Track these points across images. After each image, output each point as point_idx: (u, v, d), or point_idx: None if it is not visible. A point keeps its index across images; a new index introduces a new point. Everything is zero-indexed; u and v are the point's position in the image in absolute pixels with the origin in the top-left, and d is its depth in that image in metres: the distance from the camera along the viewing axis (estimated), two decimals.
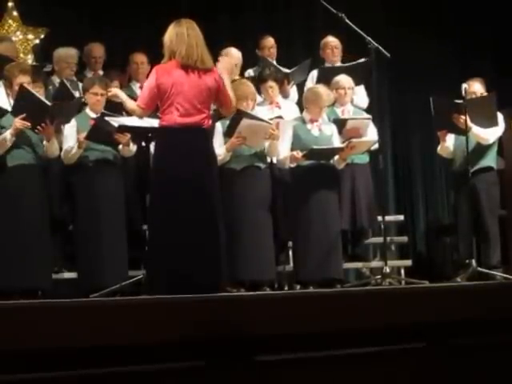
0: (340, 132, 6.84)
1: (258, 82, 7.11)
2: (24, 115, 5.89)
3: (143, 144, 6.15)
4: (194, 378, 3.30)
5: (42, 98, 6.06)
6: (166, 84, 5.24)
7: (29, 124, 5.92)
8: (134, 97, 5.95)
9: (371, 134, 6.97)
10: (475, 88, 6.92)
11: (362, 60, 7.16)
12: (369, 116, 7.14)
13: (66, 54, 7.31)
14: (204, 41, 5.31)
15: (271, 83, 7.09)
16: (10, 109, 6.09)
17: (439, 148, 7.05)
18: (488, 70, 8.74)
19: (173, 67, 5.27)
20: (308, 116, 6.78)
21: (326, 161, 6.68)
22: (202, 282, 5.01)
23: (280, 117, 6.76)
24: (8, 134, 5.98)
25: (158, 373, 3.21)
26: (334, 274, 6.56)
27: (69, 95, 6.62)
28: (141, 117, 5.53)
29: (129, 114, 5.67)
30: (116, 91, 5.79)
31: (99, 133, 6.11)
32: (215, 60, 5.51)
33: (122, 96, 5.61)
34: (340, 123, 6.90)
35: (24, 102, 5.91)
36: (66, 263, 6.67)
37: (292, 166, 6.67)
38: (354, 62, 7.44)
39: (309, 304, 3.64)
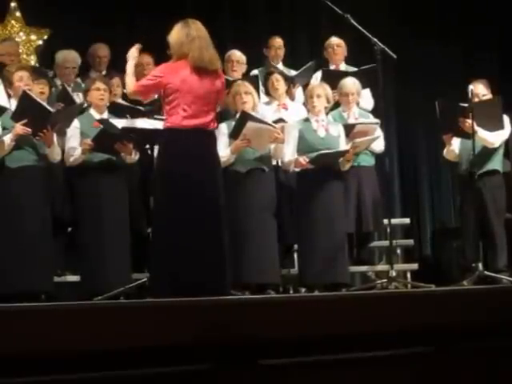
0: (347, 135, 6.79)
1: (265, 79, 7.13)
2: (25, 121, 5.88)
3: (147, 146, 6.14)
4: (197, 381, 3.28)
5: (44, 104, 6.04)
6: (172, 84, 5.20)
7: (30, 130, 5.91)
8: None
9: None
10: (479, 89, 6.87)
11: (368, 66, 7.10)
12: (377, 121, 7.07)
13: (64, 58, 7.26)
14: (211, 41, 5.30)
15: (277, 76, 7.11)
16: (9, 107, 6.08)
17: (445, 151, 7.01)
18: (494, 71, 8.72)
19: (181, 68, 5.23)
20: (313, 116, 6.73)
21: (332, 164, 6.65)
22: (205, 285, 4.98)
23: (285, 120, 6.73)
24: (8, 139, 5.96)
25: (160, 376, 3.19)
26: (340, 277, 6.51)
27: (69, 100, 6.62)
28: (130, 96, 5.51)
29: (131, 115, 5.63)
30: (130, 54, 5.52)
31: (105, 136, 6.06)
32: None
33: (130, 66, 5.46)
34: (348, 128, 6.85)
35: (26, 108, 5.89)
36: (69, 266, 6.64)
37: (296, 170, 6.64)
38: (358, 69, 7.39)
39: (314, 307, 3.62)
